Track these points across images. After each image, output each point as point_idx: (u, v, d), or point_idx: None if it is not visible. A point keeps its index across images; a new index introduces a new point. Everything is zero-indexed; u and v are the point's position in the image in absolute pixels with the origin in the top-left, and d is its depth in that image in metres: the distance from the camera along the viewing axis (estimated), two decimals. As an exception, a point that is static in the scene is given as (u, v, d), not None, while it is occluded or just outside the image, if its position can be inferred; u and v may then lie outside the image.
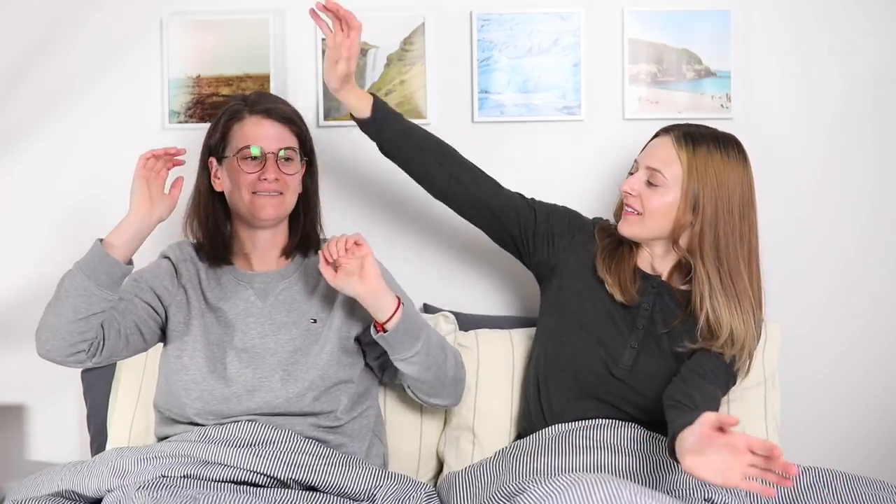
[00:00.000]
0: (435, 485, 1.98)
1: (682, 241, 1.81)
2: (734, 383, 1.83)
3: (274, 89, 2.19)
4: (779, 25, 2.23)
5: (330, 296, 1.85)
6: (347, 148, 2.21)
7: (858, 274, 2.26)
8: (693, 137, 1.78)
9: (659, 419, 1.72)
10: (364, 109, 1.85)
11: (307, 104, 2.22)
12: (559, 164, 2.23)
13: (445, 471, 1.98)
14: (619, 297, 1.83)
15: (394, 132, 1.88)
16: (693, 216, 1.76)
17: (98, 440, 2.05)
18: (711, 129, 1.83)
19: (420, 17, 2.20)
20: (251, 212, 1.82)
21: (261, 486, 1.64)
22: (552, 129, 2.23)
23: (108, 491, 1.60)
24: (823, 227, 2.26)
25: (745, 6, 2.22)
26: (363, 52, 2.20)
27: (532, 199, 1.96)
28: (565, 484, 1.41)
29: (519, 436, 1.95)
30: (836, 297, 2.26)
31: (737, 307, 1.76)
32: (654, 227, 1.80)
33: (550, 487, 1.42)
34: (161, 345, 1.89)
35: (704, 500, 1.54)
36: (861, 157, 2.25)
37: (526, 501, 1.43)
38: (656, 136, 1.85)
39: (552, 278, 1.93)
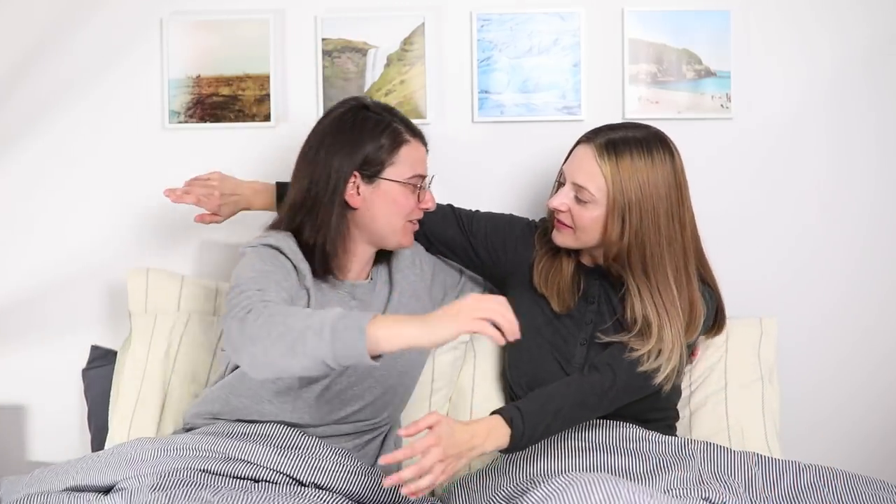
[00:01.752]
0: (433, 492, 1.97)
1: (611, 253, 1.78)
2: (653, 384, 1.74)
3: (274, 89, 2.20)
4: (779, 25, 2.23)
5: (402, 301, 1.88)
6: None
7: (863, 274, 2.26)
8: (615, 146, 1.74)
9: (623, 412, 1.75)
10: (268, 203, 1.99)
11: (307, 104, 2.22)
12: (559, 164, 2.22)
13: None
14: (555, 306, 1.85)
15: None
16: (621, 226, 1.73)
17: (99, 438, 2.04)
18: (634, 129, 1.78)
19: (420, 17, 2.20)
20: (400, 236, 1.80)
21: (278, 483, 1.63)
22: (552, 129, 2.23)
23: (124, 479, 1.58)
24: (826, 227, 2.25)
25: (745, 6, 2.22)
26: (363, 52, 2.20)
27: (470, 221, 1.98)
28: (565, 484, 1.40)
29: None
30: (840, 297, 2.26)
31: (665, 318, 1.73)
32: (586, 239, 1.79)
33: (550, 488, 1.42)
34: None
35: (703, 499, 1.54)
36: (863, 156, 2.25)
37: (527, 503, 1.43)
38: (579, 143, 1.81)
39: (507, 289, 1.96)
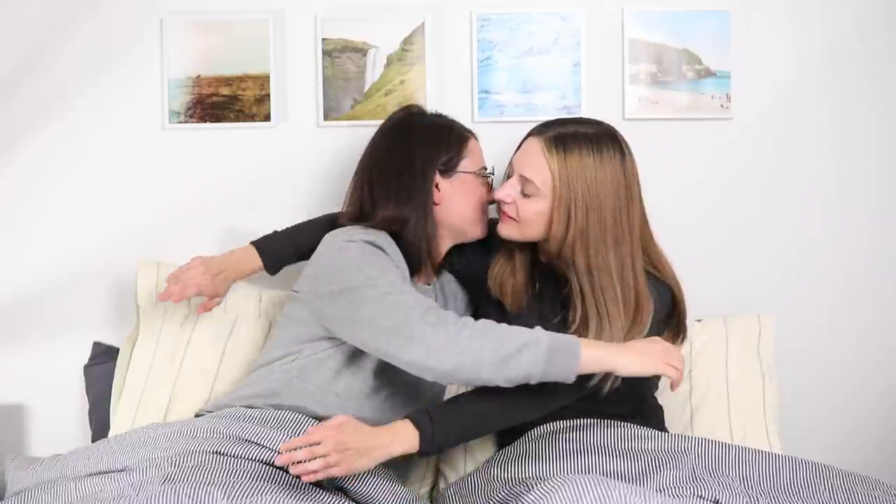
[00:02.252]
0: (430, 497, 1.97)
1: (556, 249, 1.76)
2: (588, 384, 1.69)
3: (274, 89, 2.20)
4: (778, 25, 2.23)
5: (448, 306, 1.96)
6: (347, 148, 2.22)
7: (865, 274, 2.26)
8: (564, 141, 1.72)
9: (587, 409, 1.76)
10: (254, 266, 1.97)
11: (307, 104, 2.22)
12: (559, 164, 2.23)
13: (441, 482, 1.97)
14: (508, 306, 1.85)
15: (289, 257, 1.98)
16: (567, 222, 1.72)
17: (101, 435, 2.01)
18: (585, 125, 1.77)
19: (420, 17, 2.21)
20: (479, 227, 1.89)
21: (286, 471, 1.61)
22: (552, 129, 2.23)
23: (135, 462, 1.58)
24: (828, 226, 2.25)
25: (745, 6, 2.22)
26: (363, 52, 2.20)
27: None
28: (556, 486, 1.40)
29: (499, 444, 1.94)
30: (843, 296, 2.26)
31: (605, 318, 1.71)
32: (531, 233, 1.78)
33: (542, 490, 1.41)
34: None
35: (698, 496, 1.53)
36: (865, 155, 2.25)
37: None
38: (529, 135, 1.80)
39: (477, 291, 1.96)
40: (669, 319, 1.84)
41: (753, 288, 2.23)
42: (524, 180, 1.75)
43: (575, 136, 1.72)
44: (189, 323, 2.04)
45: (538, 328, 1.59)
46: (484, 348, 1.56)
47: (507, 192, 1.77)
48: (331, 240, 1.79)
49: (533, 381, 1.56)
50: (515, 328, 1.60)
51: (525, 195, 1.75)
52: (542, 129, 1.76)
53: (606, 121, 2.21)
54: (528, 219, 1.75)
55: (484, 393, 1.65)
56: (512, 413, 1.68)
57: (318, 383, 1.76)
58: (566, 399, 1.70)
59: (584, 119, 1.81)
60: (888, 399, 2.27)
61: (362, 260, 1.71)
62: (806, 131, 2.25)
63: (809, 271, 2.25)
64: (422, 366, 1.59)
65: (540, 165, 1.72)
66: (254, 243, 1.97)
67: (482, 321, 1.61)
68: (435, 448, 1.61)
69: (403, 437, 1.59)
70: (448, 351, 1.57)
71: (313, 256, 1.81)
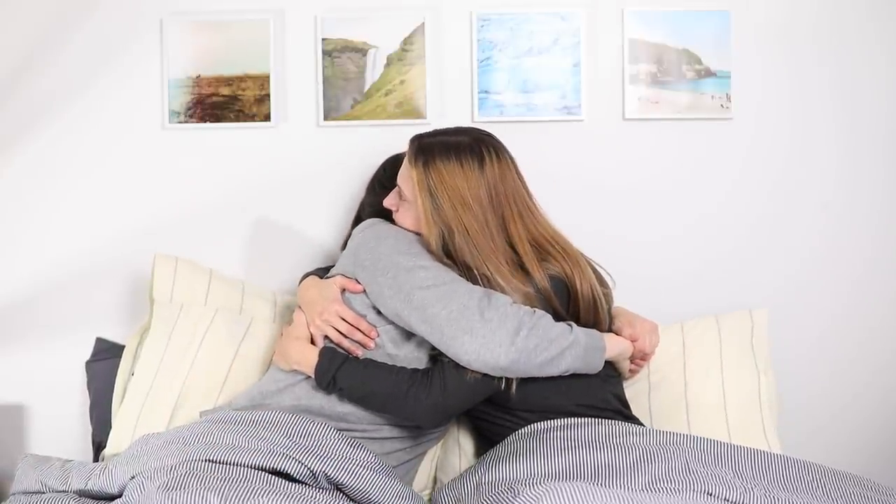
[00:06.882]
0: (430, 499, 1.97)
1: (436, 254, 1.77)
2: (482, 381, 1.71)
3: (274, 89, 2.20)
4: (779, 25, 2.23)
5: None
6: (347, 148, 2.22)
7: (867, 275, 2.26)
8: (424, 151, 1.77)
9: (547, 407, 1.77)
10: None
11: (307, 104, 2.22)
12: (559, 164, 2.23)
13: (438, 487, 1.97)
14: None
15: None
16: (437, 229, 1.75)
17: (101, 432, 2.02)
18: (454, 135, 1.81)
19: (420, 17, 2.21)
20: None
21: (286, 475, 1.61)
22: (552, 129, 2.23)
23: (131, 478, 1.58)
24: (828, 227, 2.25)
25: (745, 6, 2.22)
26: (363, 52, 2.20)
27: None
28: (541, 493, 1.39)
29: (489, 443, 1.93)
30: (845, 297, 2.26)
31: None
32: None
33: (527, 497, 1.40)
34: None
35: (691, 489, 1.52)
36: (866, 157, 2.25)
37: None
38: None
39: None
40: (567, 310, 1.83)
41: (753, 288, 2.23)
42: (399, 189, 1.82)
43: (434, 146, 1.78)
44: (204, 321, 2.02)
45: (574, 326, 1.71)
46: (538, 349, 1.66)
47: (391, 200, 1.86)
48: (363, 224, 1.86)
49: (572, 371, 1.70)
50: (556, 325, 1.69)
51: (402, 202, 1.83)
52: (413, 140, 1.82)
53: (606, 121, 2.23)
54: (405, 224, 1.83)
55: (391, 376, 1.71)
56: (402, 405, 1.70)
57: None
58: (478, 395, 1.74)
59: (459, 129, 1.85)
60: (890, 402, 2.27)
61: (402, 238, 1.78)
62: (806, 131, 2.24)
63: (810, 272, 2.25)
64: (474, 359, 1.65)
65: (406, 175, 1.80)
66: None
67: (527, 312, 1.67)
68: (325, 386, 1.73)
69: (304, 359, 1.76)
70: (506, 349, 1.64)
71: (349, 242, 1.86)
